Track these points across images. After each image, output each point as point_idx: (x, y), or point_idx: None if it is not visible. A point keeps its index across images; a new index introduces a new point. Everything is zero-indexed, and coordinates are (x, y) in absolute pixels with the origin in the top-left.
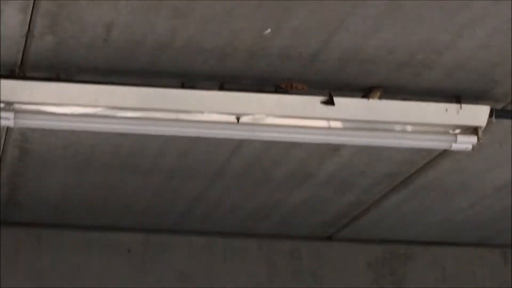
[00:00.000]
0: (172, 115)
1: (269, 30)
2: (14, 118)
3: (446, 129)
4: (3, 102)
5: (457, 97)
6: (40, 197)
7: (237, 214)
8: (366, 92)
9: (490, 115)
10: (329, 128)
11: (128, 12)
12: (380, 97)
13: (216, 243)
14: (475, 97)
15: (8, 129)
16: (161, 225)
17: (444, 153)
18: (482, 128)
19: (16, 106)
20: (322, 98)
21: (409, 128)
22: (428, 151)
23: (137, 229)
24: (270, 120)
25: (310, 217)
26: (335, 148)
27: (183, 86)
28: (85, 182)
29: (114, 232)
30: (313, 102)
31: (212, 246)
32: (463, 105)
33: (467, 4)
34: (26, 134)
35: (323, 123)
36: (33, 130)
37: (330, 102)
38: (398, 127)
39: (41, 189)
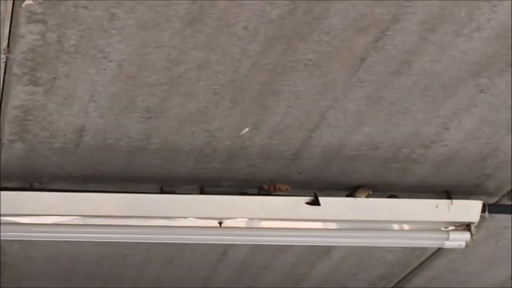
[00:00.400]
0: (152, 222)
1: (247, 130)
2: None
3: (438, 226)
4: None
5: (448, 192)
6: None
7: None
8: (352, 190)
9: (483, 210)
10: (316, 229)
11: (98, 115)
12: (368, 196)
13: None
14: (466, 192)
15: None
16: None
17: (439, 252)
18: (475, 224)
19: None
20: (307, 198)
21: (399, 226)
22: (422, 250)
23: None
24: (254, 224)
25: None
26: (325, 251)
27: (162, 191)
28: None
29: None
30: (298, 203)
31: None
32: (454, 201)
33: (451, 94)
34: (4, 248)
35: (309, 225)
36: (11, 243)
37: (315, 202)
38: (387, 226)
39: None
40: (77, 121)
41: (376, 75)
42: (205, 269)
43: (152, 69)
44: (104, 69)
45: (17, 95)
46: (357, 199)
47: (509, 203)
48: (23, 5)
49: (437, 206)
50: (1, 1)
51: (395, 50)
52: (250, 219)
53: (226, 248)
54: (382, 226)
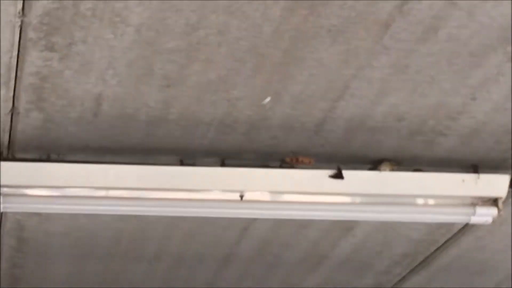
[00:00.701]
0: (172, 195)
1: (268, 99)
2: (2, 202)
3: (464, 201)
4: None
5: (474, 166)
6: None
7: None
8: (376, 163)
9: (511, 185)
10: (339, 203)
11: (116, 83)
12: (392, 169)
13: None
14: (493, 166)
15: (2, 217)
16: None
17: (464, 229)
18: (503, 199)
19: (4, 190)
20: (330, 172)
21: (424, 201)
22: (447, 227)
23: None
24: (276, 197)
25: None
26: (348, 227)
27: (182, 163)
28: (87, 272)
29: None
30: (321, 176)
31: None
32: (481, 175)
33: (478, 63)
34: (21, 222)
35: (332, 199)
36: (29, 217)
37: (339, 176)
38: (412, 201)
39: (42, 280)
40: (94, 89)
41: (401, 42)
42: (226, 245)
43: (171, 34)
44: (122, 34)
45: (33, 61)
46: (382, 172)
47: None
48: None
49: (463, 180)
50: None
51: (421, 15)
52: (272, 192)
53: (248, 224)
54: (406, 200)
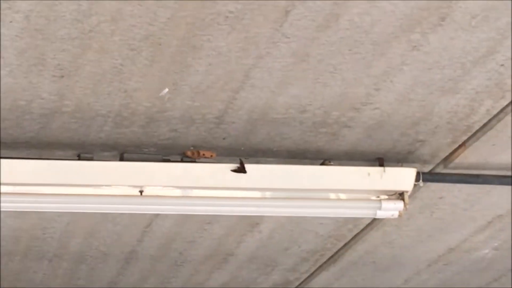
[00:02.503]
0: (70, 190)
1: (166, 90)
2: None
3: (370, 195)
4: None
5: (380, 160)
6: None
7: None
8: (281, 157)
9: (417, 179)
10: (243, 198)
11: (7, 74)
12: (297, 163)
13: None
14: (399, 159)
15: None
16: None
17: (372, 225)
18: (409, 193)
19: None
20: (232, 166)
21: (329, 195)
22: (354, 222)
23: None
24: (177, 192)
25: None
26: (253, 223)
27: (79, 157)
28: None
29: None
30: (223, 170)
31: None
32: (387, 168)
33: (381, 51)
34: None
35: (236, 194)
36: None
37: (241, 170)
38: (317, 195)
39: None
40: None
41: (301, 30)
42: (129, 243)
43: (61, 21)
44: (11, 21)
45: None
46: (285, 166)
47: (444, 171)
48: None
49: (369, 173)
50: None
51: (321, 1)
52: (173, 187)
53: (150, 221)
54: (311, 195)
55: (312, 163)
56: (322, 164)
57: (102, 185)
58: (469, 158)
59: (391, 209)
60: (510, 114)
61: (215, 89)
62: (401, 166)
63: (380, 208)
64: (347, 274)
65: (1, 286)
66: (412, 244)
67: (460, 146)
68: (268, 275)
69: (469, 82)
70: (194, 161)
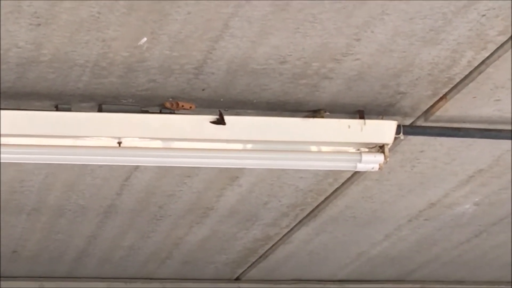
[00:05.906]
0: (47, 141)
1: (144, 39)
2: None
3: (350, 148)
4: None
5: (360, 112)
6: None
7: (137, 256)
8: (260, 108)
9: (398, 132)
10: (222, 150)
11: None
12: (275, 114)
13: None
14: (380, 112)
15: None
16: (55, 271)
17: (352, 179)
18: (389, 146)
19: None
20: (211, 117)
21: (309, 148)
22: (335, 176)
23: (29, 276)
24: (156, 144)
25: (214, 257)
26: (233, 177)
27: (57, 108)
28: None
29: (4, 281)
30: (202, 122)
31: None
32: (367, 121)
33: (362, 1)
34: None
35: (215, 145)
36: None
37: (220, 121)
38: (297, 148)
39: None
40: None
41: None
42: (108, 196)
43: None
44: None
45: None
46: (265, 118)
47: (425, 124)
48: None
49: (349, 126)
50: None
51: None
52: (152, 139)
53: (129, 174)
54: (291, 147)
55: (292, 115)
56: (315, 114)
57: (80, 136)
58: (450, 111)
59: (371, 162)
60: (492, 65)
61: (194, 38)
62: (382, 118)
63: (360, 161)
64: (328, 229)
65: None
66: (392, 199)
67: (441, 98)
68: (248, 229)
69: (450, 33)
70: (173, 113)
